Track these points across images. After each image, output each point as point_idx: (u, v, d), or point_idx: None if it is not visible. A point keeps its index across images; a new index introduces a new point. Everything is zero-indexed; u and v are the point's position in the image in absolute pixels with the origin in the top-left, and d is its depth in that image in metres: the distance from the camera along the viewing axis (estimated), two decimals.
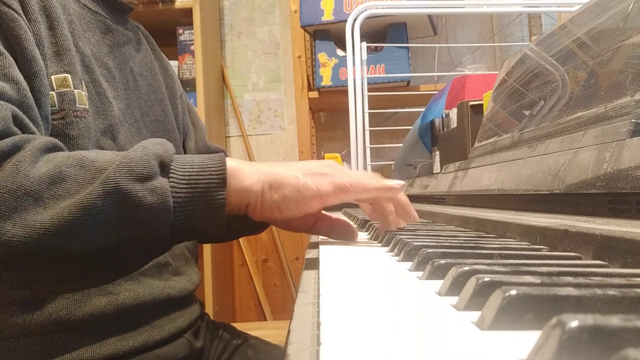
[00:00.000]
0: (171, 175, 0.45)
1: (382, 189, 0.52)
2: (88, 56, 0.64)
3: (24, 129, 0.49)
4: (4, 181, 0.41)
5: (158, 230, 0.44)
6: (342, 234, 0.55)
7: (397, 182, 0.53)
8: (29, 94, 0.52)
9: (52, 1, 0.60)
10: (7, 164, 0.42)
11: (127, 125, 0.68)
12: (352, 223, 0.57)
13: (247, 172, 0.49)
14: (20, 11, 0.55)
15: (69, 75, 0.59)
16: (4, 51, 0.52)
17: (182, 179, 0.46)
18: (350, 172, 0.53)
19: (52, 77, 0.58)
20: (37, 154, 0.44)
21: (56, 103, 0.58)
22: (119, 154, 0.45)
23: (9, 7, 0.53)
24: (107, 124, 0.64)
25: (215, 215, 0.46)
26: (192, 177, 0.46)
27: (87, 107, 0.61)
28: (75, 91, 0.59)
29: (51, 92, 0.57)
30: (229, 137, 2.09)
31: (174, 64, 1.77)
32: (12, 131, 0.46)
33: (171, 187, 0.45)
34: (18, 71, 0.52)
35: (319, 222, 0.56)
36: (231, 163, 0.48)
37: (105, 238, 0.43)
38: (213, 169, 0.46)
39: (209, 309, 1.67)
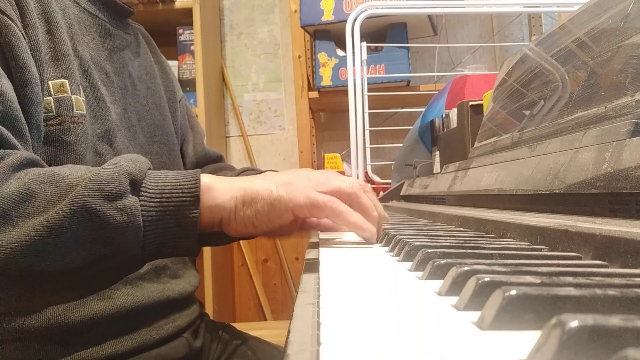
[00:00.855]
0: (142, 193, 0.45)
1: (351, 225, 0.49)
2: (87, 60, 0.64)
3: (4, 143, 0.48)
4: None
5: (128, 248, 0.44)
6: (327, 230, 0.55)
7: (370, 227, 0.49)
8: (15, 105, 0.51)
9: (51, 5, 0.59)
10: None
11: (123, 130, 0.68)
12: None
13: (220, 189, 0.48)
14: (16, 17, 0.54)
15: (66, 81, 0.59)
16: None
17: (153, 197, 0.45)
18: (330, 181, 0.51)
19: (50, 82, 0.57)
20: (9, 171, 0.43)
21: (53, 109, 0.57)
22: (91, 170, 0.45)
23: (3, 13, 0.52)
24: (105, 129, 0.63)
25: (187, 233, 0.46)
26: (163, 195, 0.45)
27: (85, 112, 0.60)
28: (73, 97, 0.59)
29: (48, 98, 0.57)
30: (229, 137, 2.09)
31: (173, 64, 1.77)
32: None
33: (142, 205, 0.44)
34: (4, 81, 0.51)
35: (304, 225, 0.56)
36: (205, 179, 0.48)
37: (75, 257, 0.42)
38: (186, 187, 0.46)
39: (209, 309, 1.67)
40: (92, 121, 0.62)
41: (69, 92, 0.59)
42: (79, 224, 0.41)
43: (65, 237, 0.41)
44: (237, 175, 0.83)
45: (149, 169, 0.48)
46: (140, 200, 0.44)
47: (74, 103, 0.59)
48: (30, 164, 0.46)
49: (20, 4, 0.55)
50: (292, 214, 0.49)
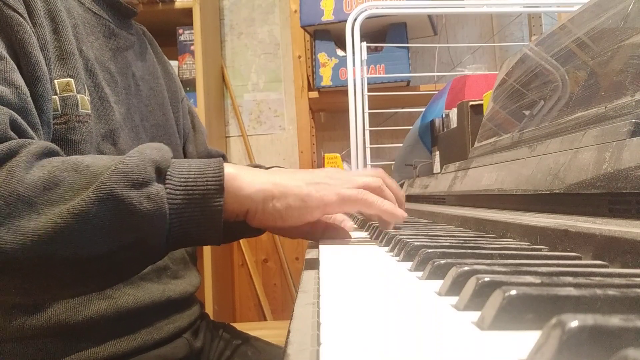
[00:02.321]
0: (167, 181, 0.45)
1: (385, 213, 0.52)
2: (91, 60, 0.64)
3: (21, 133, 0.48)
4: None
5: (153, 236, 0.44)
6: (334, 237, 0.56)
7: (401, 212, 0.53)
8: (29, 99, 0.52)
9: (57, 5, 0.60)
10: (1, 169, 0.42)
11: (127, 130, 0.68)
12: (350, 221, 0.57)
13: (246, 179, 0.49)
14: (26, 15, 0.54)
15: (72, 80, 0.59)
16: (5, 55, 0.51)
17: (178, 185, 0.45)
18: (354, 178, 0.53)
19: (56, 81, 0.58)
20: (32, 159, 0.43)
21: (59, 107, 0.57)
22: (114, 159, 0.45)
23: (15, 10, 0.53)
24: (108, 129, 0.64)
25: (212, 222, 0.46)
26: (188, 183, 0.45)
27: (90, 111, 0.61)
28: (78, 96, 0.59)
29: (54, 97, 0.57)
30: (229, 137, 2.09)
31: (174, 64, 1.77)
32: (8, 136, 0.45)
33: (167, 193, 0.44)
34: (19, 76, 0.52)
35: (315, 226, 0.56)
36: (229, 169, 0.48)
37: (100, 244, 0.42)
38: (210, 175, 0.46)
39: (209, 309, 1.67)
40: (96, 121, 0.62)
41: (75, 91, 0.59)
42: (106, 211, 0.41)
43: (92, 225, 0.41)
44: None
45: (172, 157, 0.48)
46: (165, 188, 0.44)
47: (79, 102, 0.59)
48: (51, 152, 0.47)
49: (27, 2, 0.55)
50: (322, 212, 0.50)
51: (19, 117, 0.48)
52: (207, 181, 0.46)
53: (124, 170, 0.43)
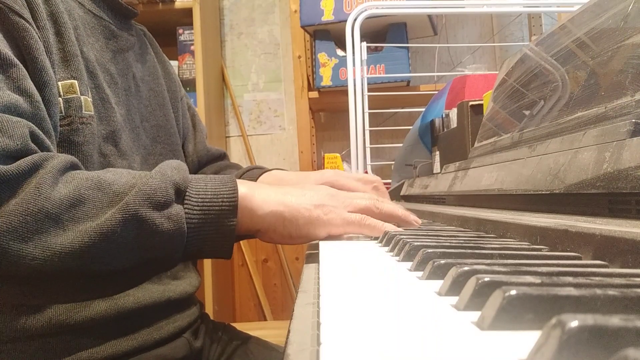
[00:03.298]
0: (186, 201, 0.48)
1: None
2: (92, 62, 0.64)
3: (40, 144, 0.49)
4: (26, 203, 0.41)
5: (173, 253, 0.47)
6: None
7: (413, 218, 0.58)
8: (42, 106, 0.52)
9: (58, 7, 0.60)
10: (28, 185, 0.42)
11: (128, 131, 0.68)
12: None
13: (259, 200, 0.51)
14: (31, 19, 0.54)
15: (75, 82, 0.59)
16: (17, 62, 0.51)
17: (196, 206, 0.48)
18: (356, 201, 0.56)
19: (59, 83, 0.58)
20: (57, 174, 0.44)
21: (63, 109, 0.58)
22: (135, 177, 0.47)
23: (21, 16, 0.53)
24: (110, 130, 0.64)
25: (224, 240, 0.49)
26: (205, 204, 0.48)
27: (93, 113, 0.61)
28: (82, 97, 0.59)
29: (58, 99, 0.57)
30: (229, 137, 2.09)
31: (174, 64, 1.77)
32: (30, 149, 0.46)
33: (186, 212, 0.47)
34: (31, 82, 0.52)
35: None
36: (243, 189, 0.51)
37: (123, 260, 0.45)
38: (225, 196, 0.49)
39: (209, 309, 1.67)
40: (98, 122, 0.62)
41: (78, 93, 0.59)
42: (130, 231, 0.44)
43: (117, 243, 0.43)
44: (244, 173, 0.83)
45: (189, 176, 0.51)
46: (184, 208, 0.47)
47: (82, 104, 0.59)
48: (73, 166, 0.48)
49: (31, 5, 0.55)
50: (327, 233, 0.53)
51: (36, 128, 0.49)
52: (222, 201, 0.49)
53: (148, 192, 0.45)
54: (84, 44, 0.64)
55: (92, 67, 0.64)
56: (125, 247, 0.44)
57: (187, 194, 0.48)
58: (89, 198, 0.44)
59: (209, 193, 0.49)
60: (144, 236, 0.44)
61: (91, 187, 0.45)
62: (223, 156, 0.96)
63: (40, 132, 0.50)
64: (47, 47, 0.56)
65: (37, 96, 0.52)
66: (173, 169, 0.49)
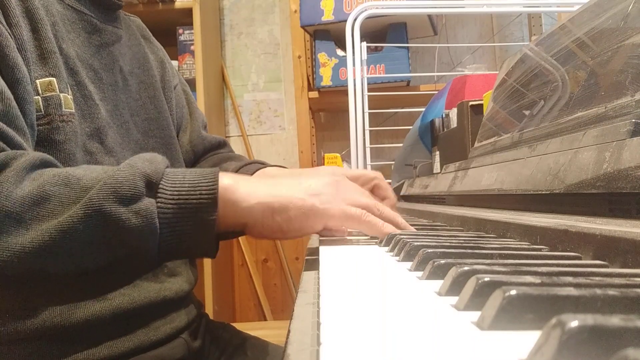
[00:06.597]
0: (159, 194, 0.45)
1: (385, 235, 0.52)
2: (72, 58, 0.62)
3: (9, 142, 0.48)
4: None
5: (145, 251, 0.44)
6: (331, 235, 0.55)
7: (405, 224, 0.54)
8: (14, 103, 0.51)
9: (34, 3, 0.58)
10: None
11: (115, 127, 0.67)
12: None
13: (244, 192, 0.48)
14: (1, 17, 0.53)
15: (54, 79, 0.58)
16: None
17: (170, 199, 0.45)
18: (356, 197, 0.53)
19: (37, 81, 0.56)
20: (23, 172, 0.43)
21: (42, 108, 0.56)
22: (106, 171, 0.44)
23: None
24: (94, 127, 0.62)
25: (204, 235, 0.45)
26: (181, 196, 0.45)
27: (73, 110, 0.59)
28: (61, 95, 0.58)
29: (36, 97, 0.56)
30: (229, 137, 2.09)
31: (174, 64, 1.77)
32: None
33: (158, 207, 0.44)
34: (1, 80, 0.50)
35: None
36: (226, 180, 0.47)
37: (89, 259, 0.42)
38: (204, 187, 0.45)
39: (209, 309, 1.67)
40: (81, 120, 0.61)
41: (57, 91, 0.58)
42: (94, 227, 0.41)
43: (80, 241, 0.41)
44: (242, 167, 0.80)
45: (167, 166, 0.47)
46: (157, 202, 0.44)
47: (62, 101, 0.58)
48: (43, 164, 0.46)
49: (2, 2, 0.54)
50: (324, 225, 0.50)
51: (4, 126, 0.48)
52: (200, 194, 0.45)
53: (113, 186, 0.42)
54: (63, 40, 0.62)
55: (72, 64, 0.62)
56: (91, 244, 0.42)
57: (160, 186, 0.45)
58: (54, 195, 0.42)
59: (186, 185, 0.45)
60: (110, 233, 0.42)
61: (57, 184, 0.43)
62: (222, 144, 0.91)
63: (10, 130, 0.48)
64: (21, 45, 0.55)
65: (8, 93, 0.50)
66: (145, 160, 0.46)
